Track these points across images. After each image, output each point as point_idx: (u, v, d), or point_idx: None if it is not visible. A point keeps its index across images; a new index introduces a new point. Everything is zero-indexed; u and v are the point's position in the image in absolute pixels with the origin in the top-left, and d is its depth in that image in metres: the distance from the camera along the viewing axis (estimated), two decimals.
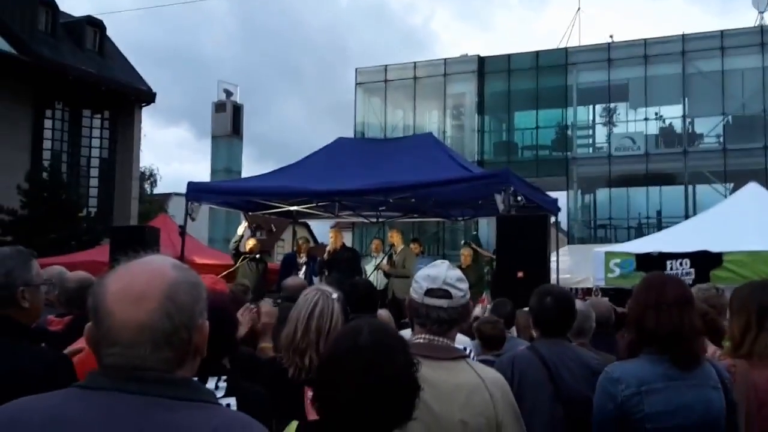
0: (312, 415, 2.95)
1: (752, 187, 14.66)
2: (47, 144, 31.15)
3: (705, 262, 11.50)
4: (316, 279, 14.18)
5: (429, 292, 3.20)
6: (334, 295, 4.05)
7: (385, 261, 15.04)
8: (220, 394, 3.16)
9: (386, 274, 14.63)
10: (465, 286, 3.27)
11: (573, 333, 4.97)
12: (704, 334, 4.17)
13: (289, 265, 14.78)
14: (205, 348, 1.91)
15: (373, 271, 14.83)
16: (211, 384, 3.16)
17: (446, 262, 3.39)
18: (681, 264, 11.56)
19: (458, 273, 3.29)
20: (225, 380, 3.22)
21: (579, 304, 5.14)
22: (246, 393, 3.25)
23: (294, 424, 2.64)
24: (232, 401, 3.17)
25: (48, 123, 31.27)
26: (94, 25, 34.79)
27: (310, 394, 3.47)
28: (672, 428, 3.36)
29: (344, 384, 2.41)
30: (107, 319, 1.79)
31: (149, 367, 1.77)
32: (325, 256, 14.63)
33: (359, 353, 2.45)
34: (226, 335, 3.26)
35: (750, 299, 3.90)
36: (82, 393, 1.79)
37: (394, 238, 15.17)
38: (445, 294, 3.19)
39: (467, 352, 4.52)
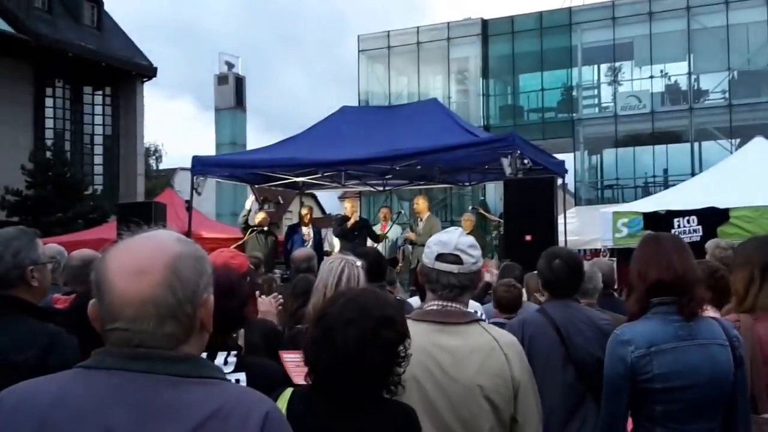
0: (297, 379, 3.04)
1: (758, 142, 14.59)
2: (50, 123, 31.09)
3: (712, 218, 11.49)
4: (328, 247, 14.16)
5: (440, 257, 3.19)
6: (359, 263, 4.07)
7: (408, 229, 14.87)
8: (229, 369, 3.16)
9: (411, 243, 14.42)
10: (477, 253, 3.25)
11: (579, 293, 4.97)
12: (711, 290, 4.17)
13: (293, 236, 14.72)
14: (211, 323, 1.88)
15: (382, 239, 14.74)
16: (220, 359, 3.16)
17: (459, 229, 3.39)
18: (688, 221, 11.56)
19: (471, 239, 3.28)
20: (235, 355, 3.22)
21: (584, 265, 5.15)
22: (256, 367, 3.24)
23: (289, 390, 2.70)
24: (242, 376, 3.16)
25: (49, 101, 31.19)
26: (93, 0, 34.57)
27: (284, 357, 3.55)
28: (680, 388, 3.37)
29: (312, 351, 2.64)
30: (109, 292, 1.77)
31: (154, 344, 1.76)
32: (349, 224, 14.38)
33: (320, 323, 2.67)
34: (233, 309, 3.25)
35: (753, 254, 3.93)
36: (87, 373, 1.78)
37: (420, 204, 14.75)
38: (456, 259, 3.17)
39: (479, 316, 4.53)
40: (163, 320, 1.76)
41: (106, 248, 1.88)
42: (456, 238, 3.23)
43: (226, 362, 3.17)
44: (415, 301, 6.52)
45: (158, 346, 1.76)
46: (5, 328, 3.35)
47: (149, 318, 1.75)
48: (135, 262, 1.78)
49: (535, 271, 5.10)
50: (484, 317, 5.46)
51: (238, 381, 3.11)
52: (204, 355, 2.92)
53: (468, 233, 3.38)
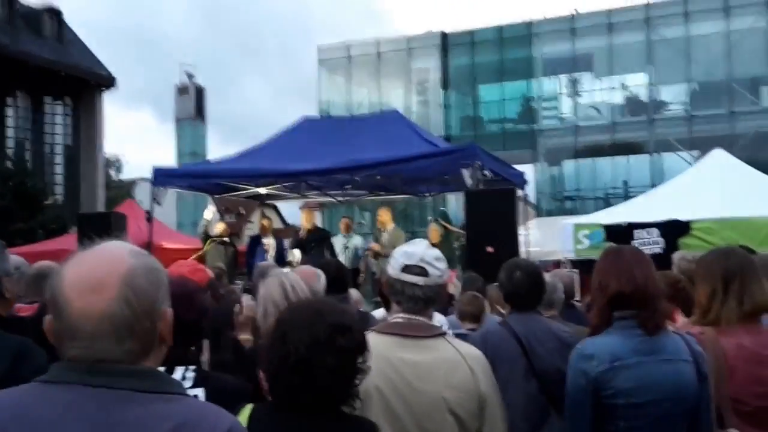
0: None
1: (717, 154, 14.70)
2: (10, 132, 30.96)
3: (673, 230, 11.53)
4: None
5: (405, 269, 3.19)
6: (286, 269, 4.07)
7: (371, 240, 14.83)
8: (188, 384, 3.10)
9: (376, 254, 14.39)
10: (443, 265, 3.25)
11: (542, 305, 4.98)
12: (673, 301, 4.18)
13: (255, 247, 14.67)
14: (170, 336, 1.86)
15: (343, 250, 14.71)
16: (178, 374, 3.11)
17: (425, 241, 3.39)
18: (649, 233, 11.61)
19: (436, 252, 3.27)
20: (194, 370, 3.18)
21: (545, 276, 5.16)
22: (216, 383, 3.20)
23: (249, 406, 2.67)
24: (200, 392, 3.11)
25: (10, 111, 31.03)
26: (52, 12, 34.41)
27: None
28: (643, 403, 3.35)
29: (266, 357, 2.64)
30: (66, 309, 1.74)
31: (114, 359, 1.73)
32: (304, 235, 14.40)
33: (276, 329, 2.66)
34: (191, 321, 3.20)
35: (715, 266, 3.91)
36: (45, 387, 1.74)
37: (383, 216, 14.69)
38: (422, 271, 3.17)
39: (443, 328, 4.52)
40: (121, 337, 1.74)
41: (62, 263, 1.85)
42: (422, 250, 3.23)
43: (184, 377, 3.12)
44: (378, 313, 6.51)
45: (119, 361, 1.74)
46: None
47: (107, 335, 1.72)
48: (90, 277, 1.76)
49: (497, 283, 5.10)
50: (449, 330, 5.46)
51: (196, 397, 3.05)
52: (162, 369, 2.90)
53: (435, 244, 3.38)
